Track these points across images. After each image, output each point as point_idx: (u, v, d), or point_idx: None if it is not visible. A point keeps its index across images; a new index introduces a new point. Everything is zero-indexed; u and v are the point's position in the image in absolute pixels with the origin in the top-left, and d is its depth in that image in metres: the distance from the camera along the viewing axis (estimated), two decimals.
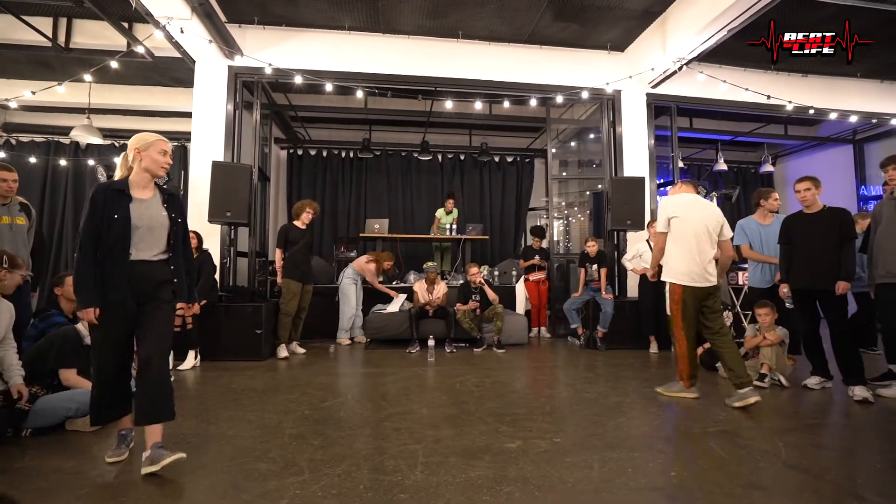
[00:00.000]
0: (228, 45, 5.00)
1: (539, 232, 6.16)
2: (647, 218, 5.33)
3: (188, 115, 6.24)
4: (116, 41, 5.13)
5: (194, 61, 5.27)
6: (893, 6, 4.44)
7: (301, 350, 4.88)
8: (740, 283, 5.28)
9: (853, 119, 6.35)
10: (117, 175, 2.20)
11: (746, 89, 5.68)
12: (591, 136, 6.78)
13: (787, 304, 3.72)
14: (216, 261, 4.78)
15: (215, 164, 4.75)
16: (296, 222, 4.94)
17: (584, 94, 5.75)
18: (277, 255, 4.87)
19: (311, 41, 5.51)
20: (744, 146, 8.93)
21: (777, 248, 3.90)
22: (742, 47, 5.80)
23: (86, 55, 5.32)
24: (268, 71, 5.02)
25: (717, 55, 5.93)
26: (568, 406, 3.01)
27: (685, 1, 4.92)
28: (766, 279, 4.04)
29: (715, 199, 6.54)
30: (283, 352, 4.64)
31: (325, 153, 8.37)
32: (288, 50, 5.43)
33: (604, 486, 1.88)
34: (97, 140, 6.21)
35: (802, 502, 1.75)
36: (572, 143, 7.16)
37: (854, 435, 2.57)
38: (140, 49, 4.76)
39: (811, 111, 6.04)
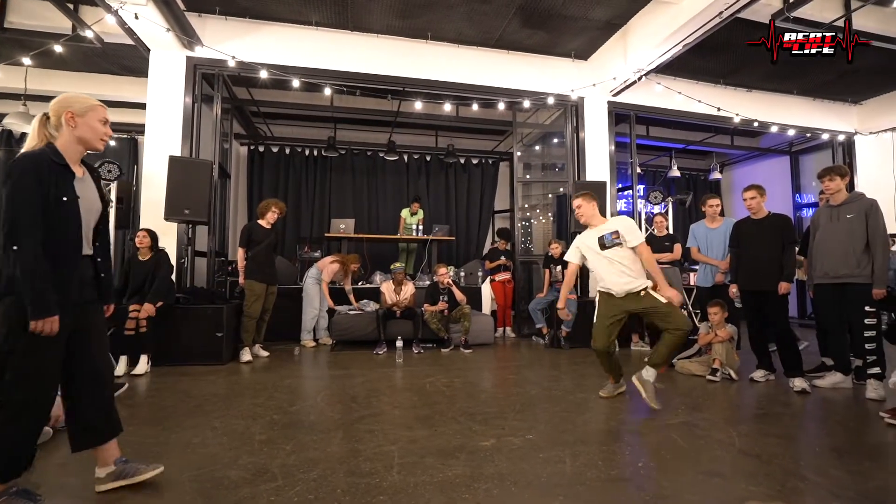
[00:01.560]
0: (187, 35, 4.77)
1: (505, 234, 6.27)
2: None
3: (139, 105, 5.92)
4: (60, 23, 4.76)
5: (149, 50, 4.99)
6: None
7: (264, 353, 4.73)
8: (691, 283, 5.60)
9: (791, 132, 6.89)
10: (30, 143, 1.69)
11: (699, 101, 6.04)
12: (556, 140, 6.97)
13: (736, 304, 3.98)
14: (172, 261, 4.55)
15: (173, 160, 4.52)
16: (260, 221, 4.78)
17: (550, 100, 5.91)
18: (240, 255, 4.70)
19: (275, 35, 5.35)
20: (694, 154, 9.46)
21: (719, 250, 4.23)
22: (695, 61, 6.16)
23: (24, 37, 4.90)
24: (231, 64, 4.84)
25: (673, 68, 6.25)
26: (537, 403, 3.08)
27: (645, 15, 5.17)
28: (707, 279, 4.34)
29: (670, 203, 6.89)
30: (246, 355, 4.47)
31: (287, 150, 8.14)
32: (251, 43, 5.24)
33: (577, 479, 1.95)
34: None
35: (756, 485, 1.89)
36: (537, 147, 7.33)
37: (796, 422, 2.78)
38: (88, 34, 4.46)
39: (755, 124, 6.50)
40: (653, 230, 5.33)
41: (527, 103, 5.84)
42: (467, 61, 5.86)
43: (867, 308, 3.24)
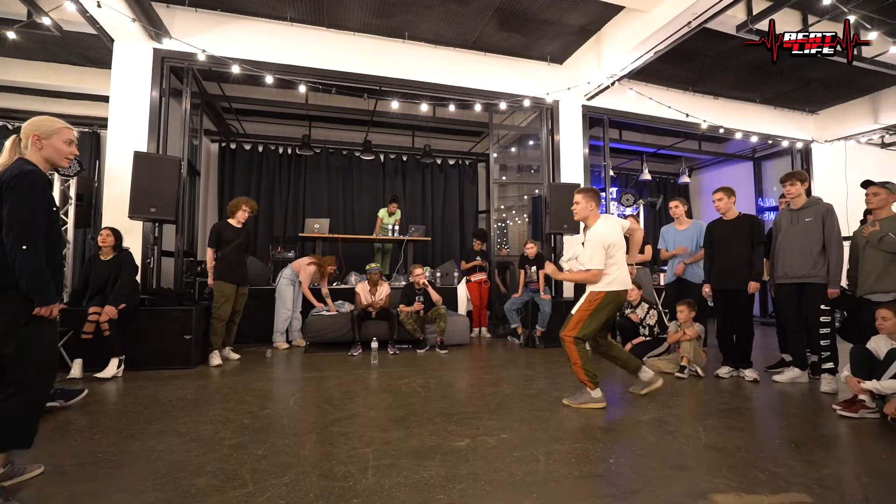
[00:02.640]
0: (155, 27, 4.60)
1: (481, 234, 6.31)
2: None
3: (102, 98, 5.67)
4: (14, 8, 4.52)
5: (113, 40, 4.79)
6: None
7: (235, 356, 4.61)
8: (661, 283, 5.77)
9: (754, 139, 7.19)
10: (3, 160, 1.93)
11: (669, 107, 6.23)
12: (531, 142, 7.06)
13: (709, 303, 4.12)
14: (137, 261, 4.38)
15: (138, 156, 4.35)
16: (230, 220, 4.65)
17: (526, 102, 5.98)
18: (209, 256, 4.56)
19: (248, 29, 5.22)
20: (665, 158, 9.76)
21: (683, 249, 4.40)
22: (666, 68, 6.36)
23: None
24: (201, 58, 4.69)
25: (645, 74, 6.43)
26: (512, 403, 3.11)
27: (618, 23, 5.30)
28: (670, 277, 4.51)
29: (641, 206, 7.08)
30: (216, 358, 4.34)
31: (260, 148, 7.96)
32: (222, 37, 5.10)
33: (551, 476, 1.98)
34: None
35: (720, 477, 1.96)
36: (513, 149, 7.41)
37: (757, 416, 2.91)
38: (45, 21, 4.24)
39: (721, 130, 6.76)
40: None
41: (503, 105, 5.90)
42: (444, 62, 5.87)
43: (822, 307, 3.42)
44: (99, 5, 4.05)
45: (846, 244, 3.47)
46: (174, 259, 5.07)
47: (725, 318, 3.87)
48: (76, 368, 3.71)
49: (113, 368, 3.73)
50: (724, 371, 3.80)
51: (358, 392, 3.41)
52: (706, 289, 3.95)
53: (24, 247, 1.78)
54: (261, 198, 7.77)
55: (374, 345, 4.63)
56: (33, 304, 1.82)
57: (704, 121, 6.45)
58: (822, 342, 3.42)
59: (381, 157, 8.53)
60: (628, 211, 6.26)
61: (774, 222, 3.79)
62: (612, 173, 8.27)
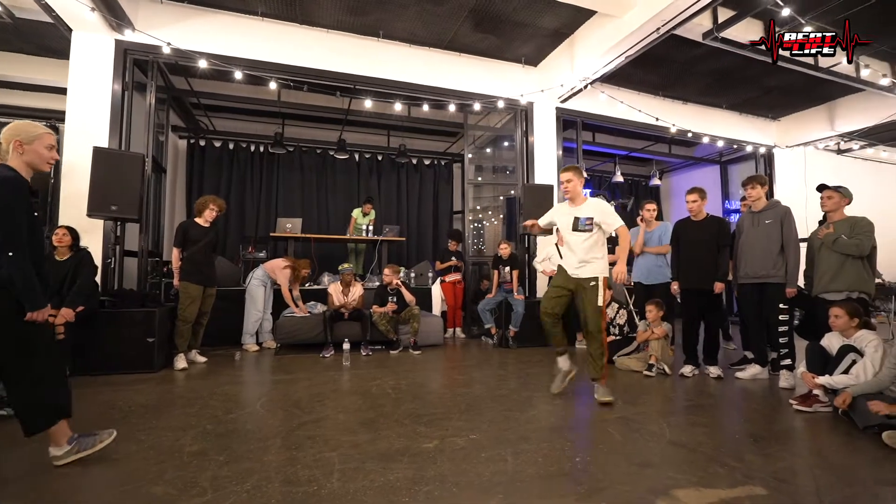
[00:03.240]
0: (116, 17, 4.42)
1: (456, 235, 6.31)
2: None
3: (60, 90, 5.41)
4: None
5: (71, 30, 4.58)
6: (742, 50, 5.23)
7: (202, 359, 4.46)
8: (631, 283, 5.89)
9: (720, 143, 7.43)
10: None
11: (640, 111, 6.37)
12: (506, 143, 7.11)
13: (678, 299, 4.21)
14: (98, 261, 4.20)
15: (97, 151, 4.16)
16: (197, 219, 4.51)
17: (500, 104, 6.01)
18: (175, 256, 4.41)
19: (217, 23, 5.08)
20: (637, 161, 9.98)
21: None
22: (637, 73, 6.50)
23: None
24: (166, 50, 4.53)
25: (617, 78, 6.56)
26: (482, 403, 3.11)
27: (591, 27, 5.39)
28: (642, 275, 4.61)
29: (613, 207, 7.20)
30: (181, 362, 4.19)
31: (231, 145, 7.75)
32: (189, 30, 4.94)
33: (518, 476, 1.98)
34: None
35: (682, 473, 2.01)
36: (488, 150, 7.44)
37: (719, 412, 2.99)
38: None
39: (690, 134, 6.95)
40: None
41: (477, 106, 5.91)
42: (419, 61, 5.84)
43: (781, 305, 3.55)
44: None
45: (804, 246, 3.63)
46: (138, 259, 4.88)
47: (693, 318, 3.98)
48: None
49: None
50: (687, 370, 3.90)
51: (328, 394, 3.36)
52: (674, 286, 4.05)
53: (11, 253, 1.83)
54: (231, 196, 7.57)
55: (346, 346, 4.56)
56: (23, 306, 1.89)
57: (674, 125, 6.62)
58: (780, 340, 3.55)
59: (356, 156, 8.44)
60: None
61: (737, 224, 3.92)
62: (586, 175, 8.42)
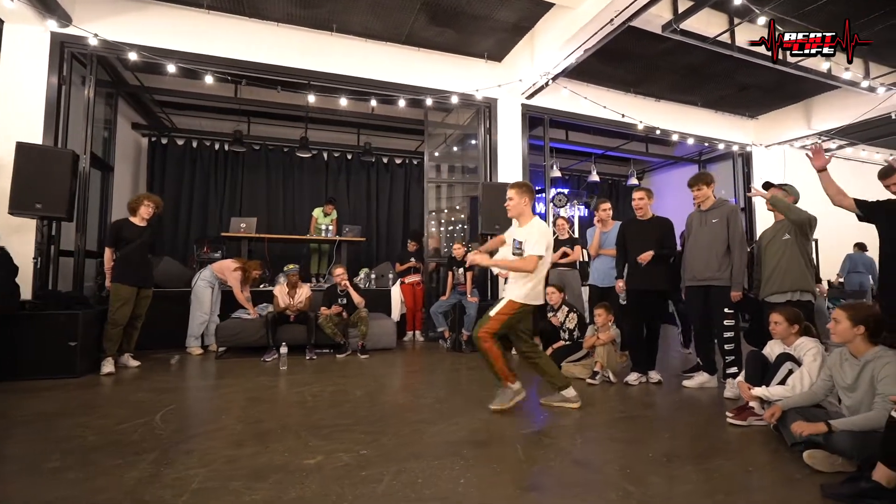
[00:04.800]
0: (48, 8, 4.26)
1: (415, 235, 6.12)
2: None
3: None
4: None
5: (2, 21, 4.42)
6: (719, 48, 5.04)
7: (134, 363, 4.28)
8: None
9: (690, 141, 7.22)
10: None
11: (604, 107, 6.18)
12: (473, 141, 6.92)
13: (621, 300, 4.01)
14: (24, 260, 4.03)
15: (21, 147, 3.99)
16: (132, 218, 4.34)
17: (454, 99, 5.77)
18: (107, 256, 4.25)
19: (160, 16, 4.90)
20: (616, 160, 9.77)
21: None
22: (605, 69, 6.31)
23: None
24: (93, 42, 4.36)
25: (586, 74, 6.38)
26: (399, 413, 2.93)
27: (549, 19, 5.20)
28: (598, 278, 4.47)
29: (576, 206, 7.03)
30: (107, 366, 4.01)
31: (195, 144, 7.59)
32: (130, 22, 4.78)
33: (385, 499, 1.80)
34: None
35: (566, 499, 1.81)
36: (455, 148, 7.26)
37: (646, 426, 2.76)
38: None
39: (658, 131, 6.75)
40: (556, 233, 5.35)
41: (429, 101, 5.72)
42: (377, 56, 5.67)
43: (726, 309, 3.35)
44: None
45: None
46: (73, 259, 4.71)
47: (637, 322, 3.78)
48: None
49: None
50: (632, 378, 3.69)
51: (243, 403, 3.17)
52: (619, 284, 3.86)
53: None
54: (194, 195, 7.41)
55: (284, 350, 4.38)
56: None
57: (641, 121, 6.42)
58: (725, 346, 3.36)
59: (325, 155, 8.26)
60: (562, 212, 6.17)
61: (686, 224, 3.72)
62: (558, 174, 8.23)
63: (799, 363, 2.66)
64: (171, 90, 6.32)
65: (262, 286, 5.76)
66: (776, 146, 7.66)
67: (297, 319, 4.85)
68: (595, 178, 8.63)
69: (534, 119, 6.56)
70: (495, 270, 5.03)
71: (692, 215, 3.70)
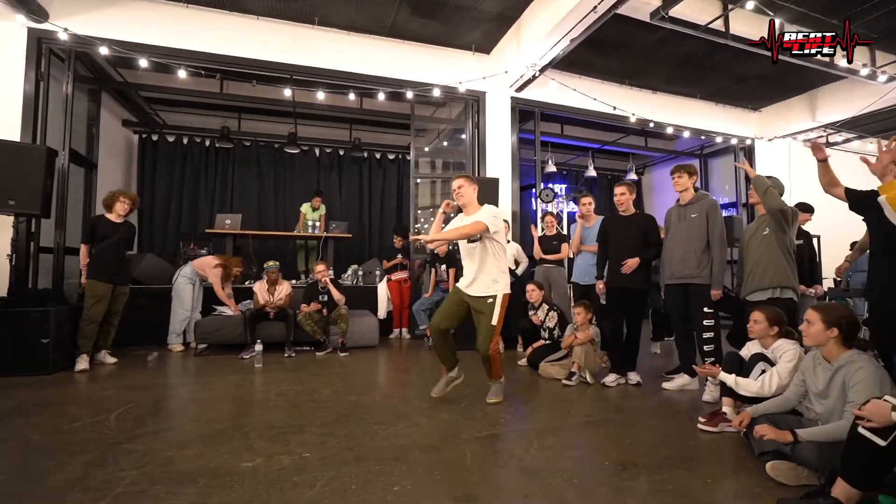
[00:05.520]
0: (21, 3, 4.24)
1: (401, 231, 6.03)
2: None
3: None
4: None
5: None
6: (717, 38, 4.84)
7: (111, 360, 4.26)
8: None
9: (686, 134, 7.00)
10: None
11: (594, 99, 5.99)
12: (463, 136, 6.80)
13: (601, 300, 3.87)
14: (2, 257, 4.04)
15: None
16: (108, 214, 4.31)
17: (436, 92, 5.66)
18: (82, 252, 4.23)
19: (139, 11, 4.87)
20: (616, 155, 9.55)
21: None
22: (598, 61, 6.13)
23: None
24: (62, 36, 4.33)
25: (578, 66, 6.22)
26: (357, 414, 2.83)
27: (535, 9, 5.05)
28: (581, 275, 4.34)
29: (565, 202, 6.86)
30: (82, 363, 4.00)
31: (185, 140, 7.58)
32: (109, 18, 4.75)
33: None
34: None
35: None
36: (446, 143, 7.13)
37: (612, 431, 2.61)
38: None
39: (651, 124, 6.54)
40: (543, 230, 5.20)
41: (410, 94, 5.61)
42: (361, 49, 5.57)
43: (706, 309, 3.20)
44: None
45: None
46: (53, 256, 4.71)
47: (617, 321, 3.63)
48: None
49: None
50: (610, 379, 3.55)
51: (206, 401, 3.11)
52: (599, 285, 3.71)
53: None
54: (184, 192, 7.41)
55: (259, 347, 4.33)
56: None
57: (633, 114, 6.23)
58: (704, 347, 3.20)
59: (317, 150, 8.20)
60: (551, 208, 6.01)
61: (665, 219, 3.56)
62: (553, 168, 8.05)
63: (773, 364, 2.51)
64: (159, 87, 6.32)
65: (246, 283, 5.72)
66: (779, 139, 7.38)
67: (277, 316, 4.80)
68: (592, 173, 8.44)
69: (525, 113, 6.41)
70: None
71: (671, 210, 3.54)
